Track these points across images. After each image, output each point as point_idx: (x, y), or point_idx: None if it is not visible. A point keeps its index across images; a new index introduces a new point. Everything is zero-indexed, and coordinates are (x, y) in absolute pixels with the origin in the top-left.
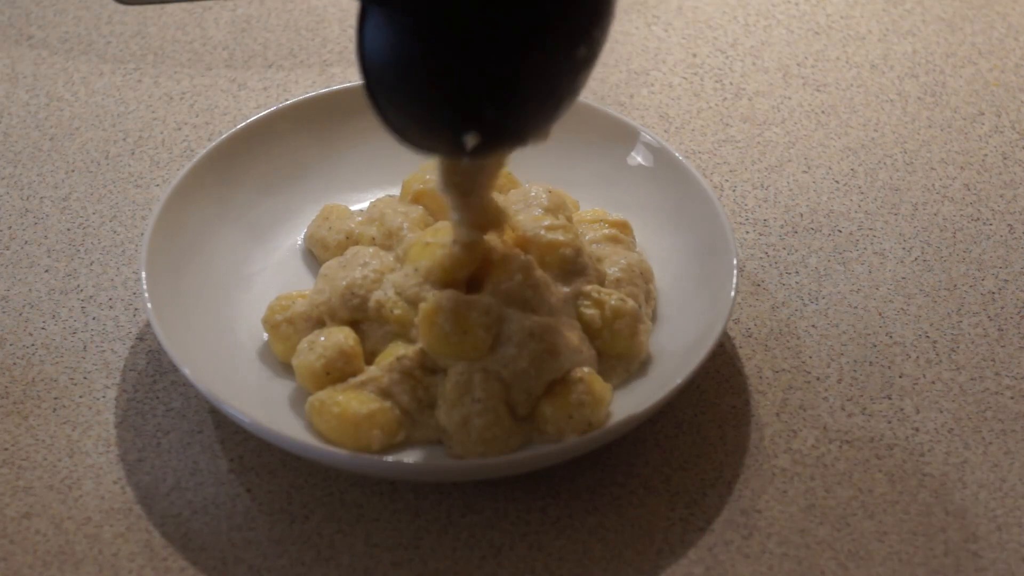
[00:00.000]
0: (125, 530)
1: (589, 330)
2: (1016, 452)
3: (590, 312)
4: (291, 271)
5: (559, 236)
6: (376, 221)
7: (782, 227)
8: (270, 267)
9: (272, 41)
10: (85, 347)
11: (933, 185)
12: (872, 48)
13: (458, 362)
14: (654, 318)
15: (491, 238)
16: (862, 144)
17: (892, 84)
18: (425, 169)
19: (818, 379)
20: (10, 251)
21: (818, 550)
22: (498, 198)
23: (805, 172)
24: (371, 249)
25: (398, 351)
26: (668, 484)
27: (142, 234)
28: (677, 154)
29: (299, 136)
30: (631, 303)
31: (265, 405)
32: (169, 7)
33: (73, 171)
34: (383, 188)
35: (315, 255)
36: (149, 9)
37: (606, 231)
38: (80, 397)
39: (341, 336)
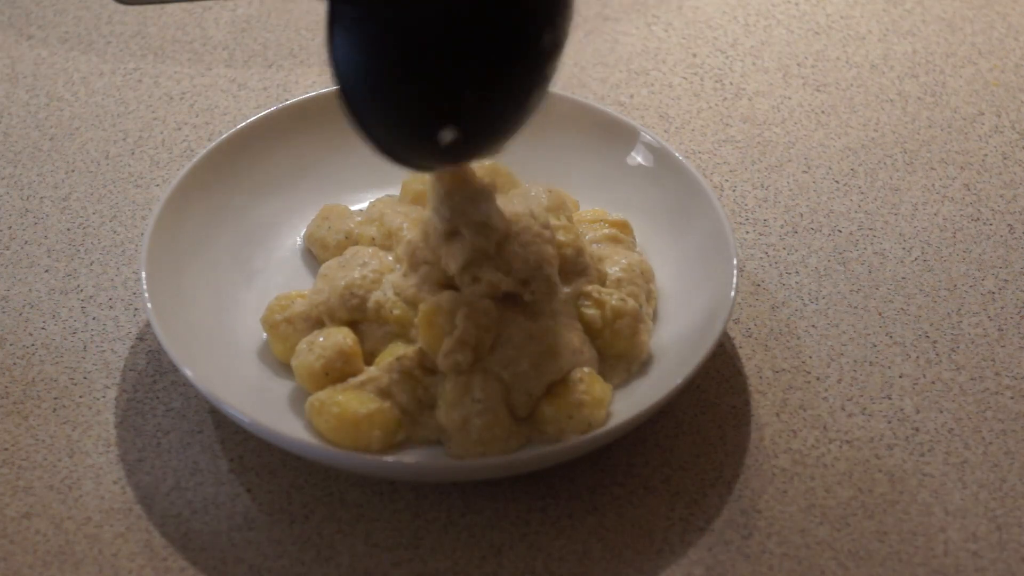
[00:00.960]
0: (125, 530)
1: (590, 330)
2: (1016, 452)
3: (591, 312)
4: (291, 271)
5: (560, 236)
6: (376, 221)
7: (782, 227)
8: (270, 267)
9: (272, 41)
10: (85, 347)
11: (933, 185)
12: (872, 48)
13: None
14: (655, 318)
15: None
16: (862, 144)
17: (892, 84)
18: None
19: (818, 379)
20: (10, 251)
21: (818, 550)
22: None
23: (805, 172)
24: (370, 249)
25: (398, 351)
26: (668, 484)
27: (142, 234)
28: (677, 154)
29: (299, 136)
30: (632, 303)
31: (265, 405)
32: (169, 7)
33: (73, 171)
34: (383, 188)
35: (315, 255)
36: (149, 9)
37: (606, 231)
38: (80, 397)
39: (340, 336)
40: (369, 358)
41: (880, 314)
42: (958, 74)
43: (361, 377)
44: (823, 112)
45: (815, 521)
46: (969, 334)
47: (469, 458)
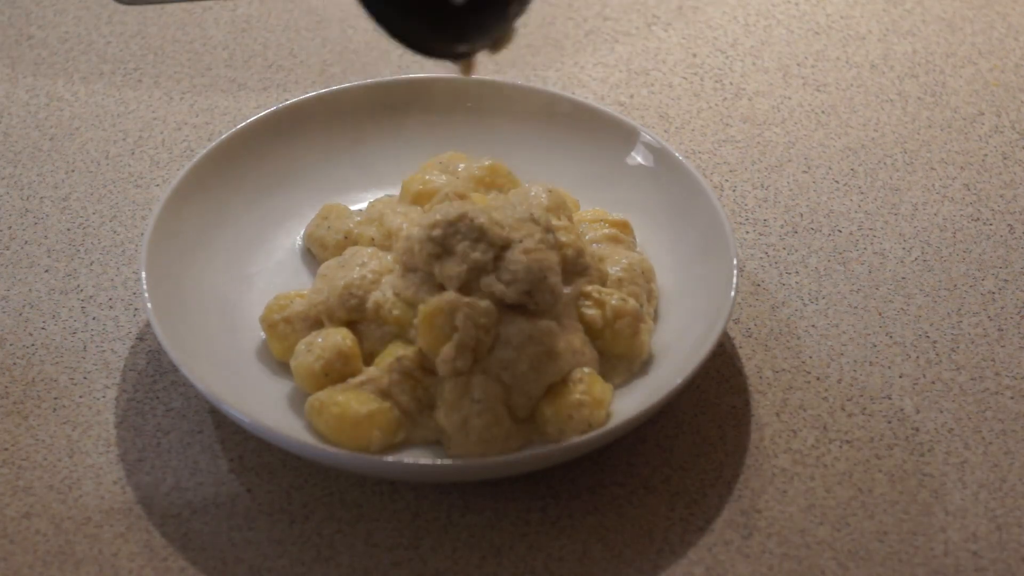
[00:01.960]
0: (125, 530)
1: (590, 330)
2: (1016, 452)
3: (591, 312)
4: (291, 271)
5: (560, 236)
6: (375, 221)
7: (782, 227)
8: (270, 267)
9: (272, 41)
10: (85, 347)
11: (933, 185)
12: (872, 48)
13: None
14: (655, 317)
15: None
16: (862, 144)
17: (892, 84)
18: (425, 170)
19: (818, 379)
20: (10, 251)
21: (818, 550)
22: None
23: (805, 172)
24: (369, 249)
25: (397, 351)
26: (668, 484)
27: (142, 234)
28: (677, 154)
29: (299, 136)
30: (632, 303)
31: (265, 405)
32: (169, 7)
33: (73, 171)
34: (383, 188)
35: (314, 254)
36: (149, 9)
37: (606, 231)
38: (80, 397)
39: (339, 337)
40: (368, 358)
41: (880, 314)
42: (958, 74)
43: (361, 377)
44: (823, 112)
45: (815, 521)
46: (969, 334)
47: (469, 458)
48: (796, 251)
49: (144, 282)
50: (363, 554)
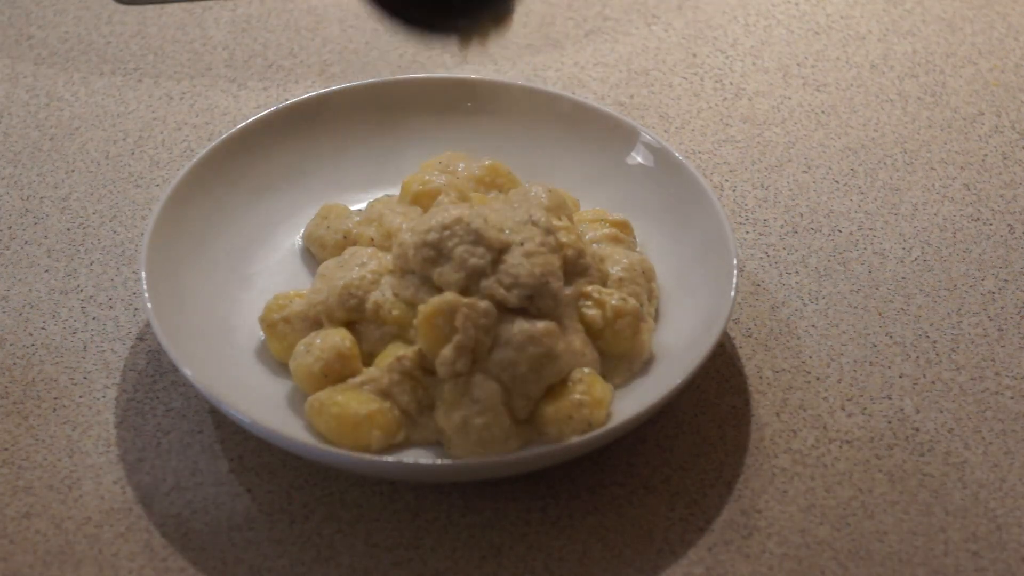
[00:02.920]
0: (125, 530)
1: (591, 331)
2: (1016, 452)
3: (592, 312)
4: (291, 271)
5: (561, 237)
6: (375, 222)
7: (782, 227)
8: (270, 267)
9: (272, 41)
10: (85, 347)
11: (933, 185)
12: (872, 48)
13: None
14: (656, 317)
15: None
16: (862, 144)
17: (892, 84)
18: (425, 169)
19: (818, 379)
20: (10, 251)
21: (818, 550)
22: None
23: (805, 172)
24: (369, 250)
25: (397, 351)
26: (668, 484)
27: (142, 234)
28: (677, 154)
29: (299, 136)
30: (632, 302)
31: (265, 405)
32: (169, 7)
33: (73, 171)
34: (383, 188)
35: (313, 254)
36: (149, 9)
37: (607, 231)
38: (80, 397)
39: (338, 338)
40: (367, 359)
41: (880, 314)
42: (958, 74)
43: (361, 377)
44: (823, 112)
45: (815, 521)
46: (969, 334)
47: (469, 458)
48: (796, 251)
49: (144, 282)
50: (363, 554)
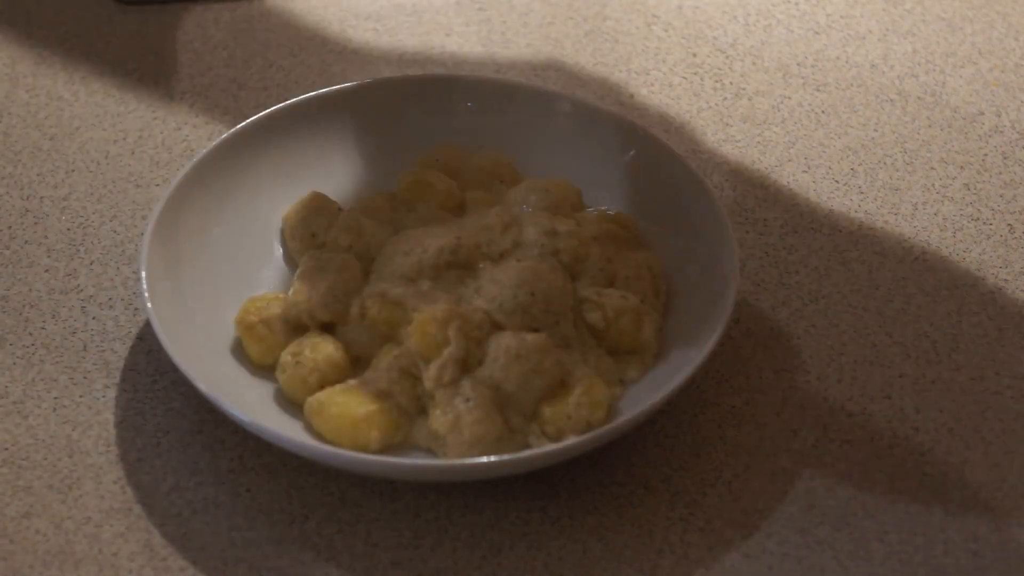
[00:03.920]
0: (125, 530)
1: (595, 333)
2: (1016, 452)
3: (593, 316)
4: (290, 271)
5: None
6: (353, 231)
7: (782, 227)
8: (270, 267)
9: (272, 41)
10: (85, 347)
11: (933, 185)
12: (872, 48)
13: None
14: (665, 312)
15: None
16: (862, 144)
17: (892, 84)
18: (422, 164)
19: (818, 379)
20: (10, 251)
21: (818, 550)
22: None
23: (805, 172)
24: (347, 255)
25: (394, 350)
26: (668, 484)
27: (142, 234)
28: (677, 154)
29: (299, 136)
30: (632, 299)
31: (265, 405)
32: (169, 7)
33: (73, 171)
34: (383, 188)
35: (285, 237)
36: (149, 9)
37: (610, 228)
38: (80, 397)
39: (330, 347)
40: (353, 362)
41: (880, 314)
42: (958, 74)
43: (360, 377)
44: (823, 112)
45: (815, 521)
46: (969, 334)
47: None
48: (796, 251)
49: (144, 282)
50: (363, 554)
